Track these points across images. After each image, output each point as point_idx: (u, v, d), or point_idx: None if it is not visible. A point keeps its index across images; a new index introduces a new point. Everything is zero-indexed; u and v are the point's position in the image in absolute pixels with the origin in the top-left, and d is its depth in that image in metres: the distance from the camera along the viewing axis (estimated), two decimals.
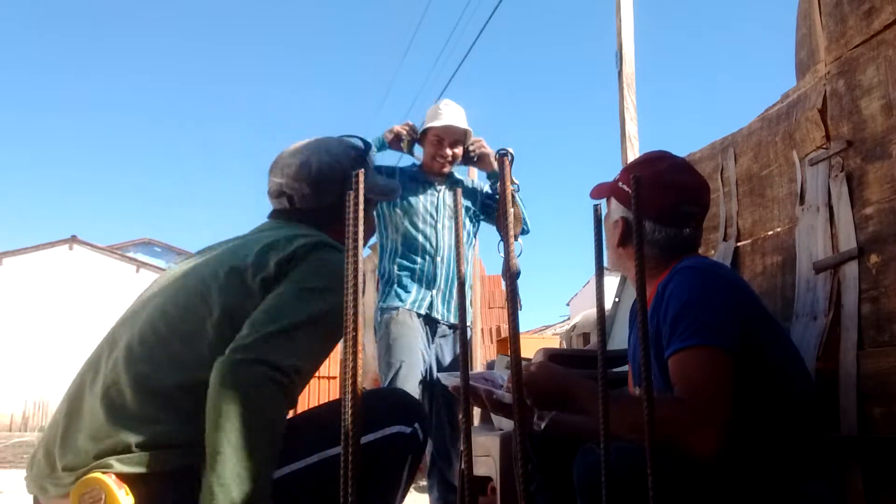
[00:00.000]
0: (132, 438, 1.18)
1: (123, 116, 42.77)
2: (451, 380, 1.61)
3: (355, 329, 0.77)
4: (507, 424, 2.43)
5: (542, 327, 16.74)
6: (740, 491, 1.23)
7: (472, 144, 2.84)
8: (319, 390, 10.57)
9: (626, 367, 1.76)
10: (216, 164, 47.94)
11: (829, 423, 1.54)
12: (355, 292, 0.77)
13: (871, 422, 1.50)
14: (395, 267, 2.73)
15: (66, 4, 40.55)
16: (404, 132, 2.82)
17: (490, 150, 2.85)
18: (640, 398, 0.72)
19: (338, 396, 1.36)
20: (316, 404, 1.50)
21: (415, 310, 2.68)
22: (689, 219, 1.47)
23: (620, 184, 1.53)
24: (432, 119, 2.83)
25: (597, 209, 0.77)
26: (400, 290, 2.68)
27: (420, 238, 2.73)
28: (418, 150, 2.90)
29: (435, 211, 2.79)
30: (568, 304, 23.40)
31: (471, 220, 2.93)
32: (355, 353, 0.77)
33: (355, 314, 0.77)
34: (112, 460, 1.16)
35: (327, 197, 1.51)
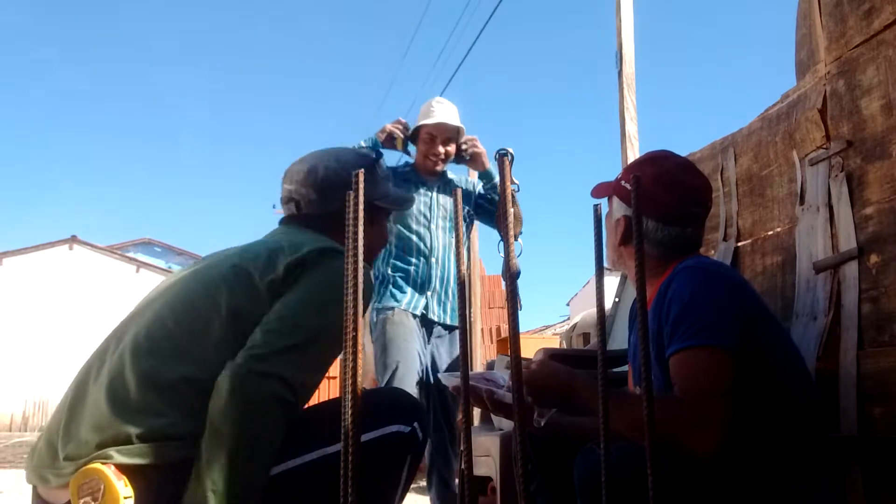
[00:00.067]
0: (133, 430, 1.19)
1: (123, 116, 42.80)
2: (451, 380, 1.61)
3: (355, 329, 0.77)
4: (507, 424, 2.43)
5: (542, 327, 16.74)
6: (740, 491, 1.23)
7: (464, 143, 2.82)
8: (319, 390, 10.56)
9: (626, 367, 1.77)
10: (216, 164, 47.98)
11: (829, 423, 1.54)
12: (355, 292, 0.77)
13: (871, 422, 1.51)
14: (389, 269, 2.72)
15: (66, 4, 40.56)
16: (397, 130, 2.80)
17: (482, 149, 2.83)
18: (640, 397, 0.72)
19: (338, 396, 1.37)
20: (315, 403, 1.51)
21: (410, 310, 2.66)
22: (693, 219, 1.48)
23: (623, 182, 1.53)
24: (424, 117, 2.81)
25: (597, 209, 0.77)
26: (395, 291, 2.67)
27: (414, 239, 2.72)
28: (413, 149, 2.88)
29: (428, 211, 2.78)
30: (568, 304, 23.42)
31: (464, 220, 2.91)
32: (355, 353, 0.77)
33: (355, 314, 0.78)
34: (112, 451, 1.17)
35: (333, 202, 1.51)
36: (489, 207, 2.87)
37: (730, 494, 1.22)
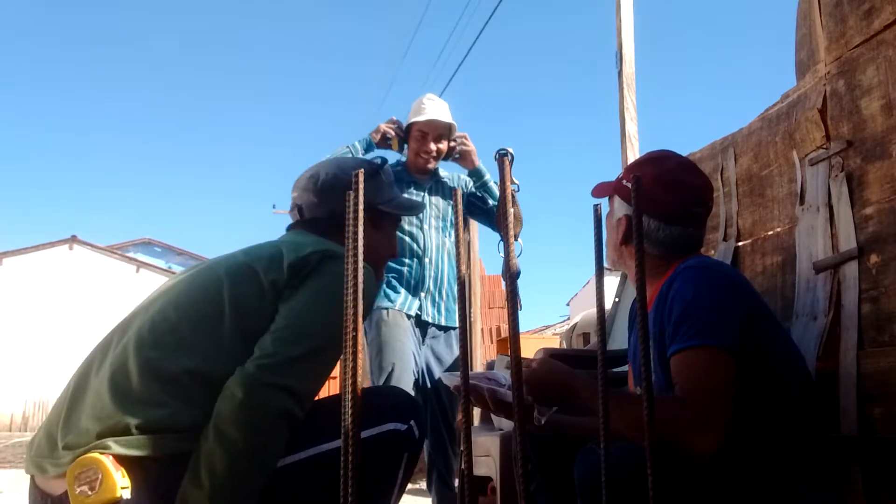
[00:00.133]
0: (133, 420, 1.19)
1: (124, 116, 42.80)
2: (453, 379, 1.61)
3: (355, 329, 0.77)
4: (507, 424, 2.43)
5: (542, 327, 16.75)
6: (740, 491, 1.23)
7: (454, 140, 2.79)
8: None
9: (626, 367, 1.77)
10: (216, 164, 47.97)
11: (829, 423, 1.54)
12: (355, 292, 0.77)
13: (871, 422, 1.51)
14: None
15: (66, 4, 40.56)
16: (391, 130, 2.77)
17: (472, 147, 2.80)
18: (640, 397, 0.72)
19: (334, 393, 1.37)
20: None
21: (404, 311, 2.63)
22: (694, 218, 1.48)
23: (624, 182, 1.53)
24: (415, 114, 2.77)
25: (597, 209, 0.77)
26: (389, 291, 2.65)
27: (407, 239, 2.69)
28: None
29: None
30: (568, 304, 23.43)
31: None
32: (355, 353, 0.77)
33: (355, 314, 0.78)
34: (110, 441, 1.17)
35: (334, 205, 1.53)
36: (481, 206, 2.83)
37: (730, 494, 1.22)
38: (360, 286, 0.77)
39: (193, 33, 47.23)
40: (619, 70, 3.32)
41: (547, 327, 16.46)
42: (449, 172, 2.93)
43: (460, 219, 0.79)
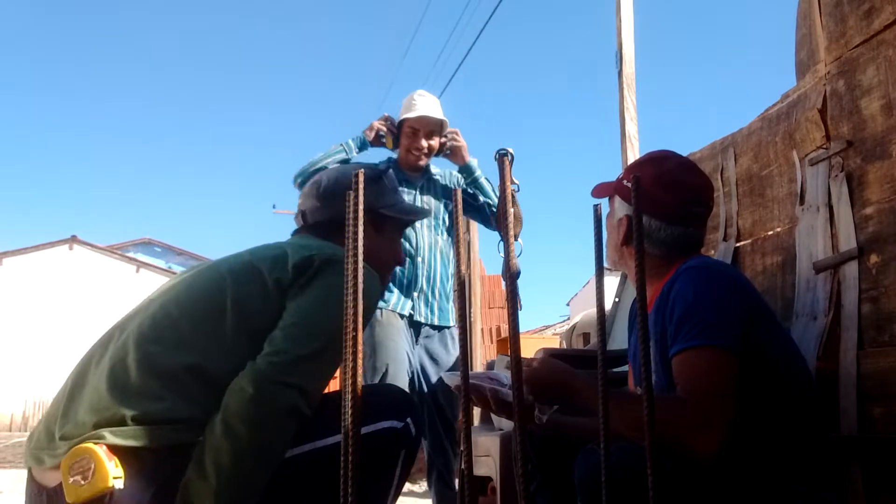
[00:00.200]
0: (129, 412, 1.19)
1: (124, 116, 42.79)
2: (454, 379, 1.61)
3: (355, 329, 0.77)
4: (507, 424, 2.43)
5: (542, 327, 16.73)
6: (740, 491, 1.23)
7: (444, 136, 2.76)
8: None
9: (626, 367, 1.76)
10: (217, 164, 47.97)
11: (829, 422, 1.54)
12: (355, 292, 0.77)
13: (871, 422, 1.51)
14: None
15: (66, 4, 40.55)
16: (384, 127, 2.75)
17: (463, 143, 2.77)
18: (641, 397, 0.72)
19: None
20: None
21: (397, 311, 2.61)
22: (695, 218, 1.48)
23: (625, 182, 1.53)
24: (406, 110, 2.74)
25: (597, 209, 0.77)
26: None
27: None
28: None
29: None
30: (568, 304, 23.42)
31: (450, 218, 2.82)
32: (355, 353, 0.77)
33: (355, 314, 0.78)
34: (105, 432, 1.17)
35: (334, 207, 1.54)
36: (472, 202, 2.80)
37: (730, 494, 1.22)
38: (360, 286, 0.78)
39: (193, 33, 47.26)
40: (619, 70, 3.31)
41: (547, 327, 16.44)
42: (441, 169, 2.90)
43: (460, 219, 0.79)
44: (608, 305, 2.76)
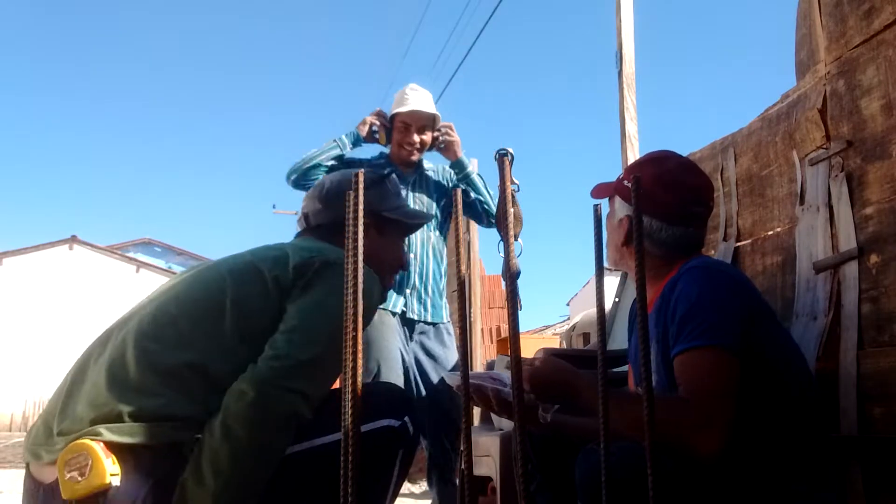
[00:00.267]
0: (126, 408, 1.19)
1: (124, 116, 42.78)
2: (456, 379, 1.61)
3: (355, 329, 0.77)
4: (507, 424, 2.43)
5: (542, 327, 16.73)
6: (741, 490, 1.23)
7: (438, 130, 2.73)
8: None
9: (626, 367, 1.76)
10: (216, 164, 47.96)
11: (829, 423, 1.54)
12: (355, 292, 0.77)
13: (871, 422, 1.51)
14: None
15: (66, 4, 40.55)
16: (377, 122, 2.72)
17: (456, 138, 2.74)
18: (642, 397, 0.72)
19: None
20: None
21: (389, 309, 2.57)
22: (695, 218, 1.48)
23: (625, 182, 1.53)
24: (398, 105, 2.71)
25: (597, 209, 0.77)
26: None
27: None
28: None
29: None
30: (568, 304, 23.42)
31: (441, 213, 2.80)
32: (355, 353, 0.77)
33: (355, 314, 0.78)
34: (102, 428, 1.17)
35: (337, 210, 1.53)
36: (464, 199, 2.75)
37: (730, 494, 1.22)
38: (360, 286, 0.77)
39: (193, 33, 47.26)
40: (619, 70, 3.31)
41: (547, 327, 16.44)
42: (434, 164, 2.87)
43: (460, 219, 0.79)
44: (608, 305, 2.76)
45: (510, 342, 0.76)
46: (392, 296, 2.60)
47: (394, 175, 1.72)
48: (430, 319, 2.68)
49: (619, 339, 2.53)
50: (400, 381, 2.46)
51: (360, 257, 0.78)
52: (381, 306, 2.54)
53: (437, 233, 2.77)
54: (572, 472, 1.24)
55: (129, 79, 42.55)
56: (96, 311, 17.89)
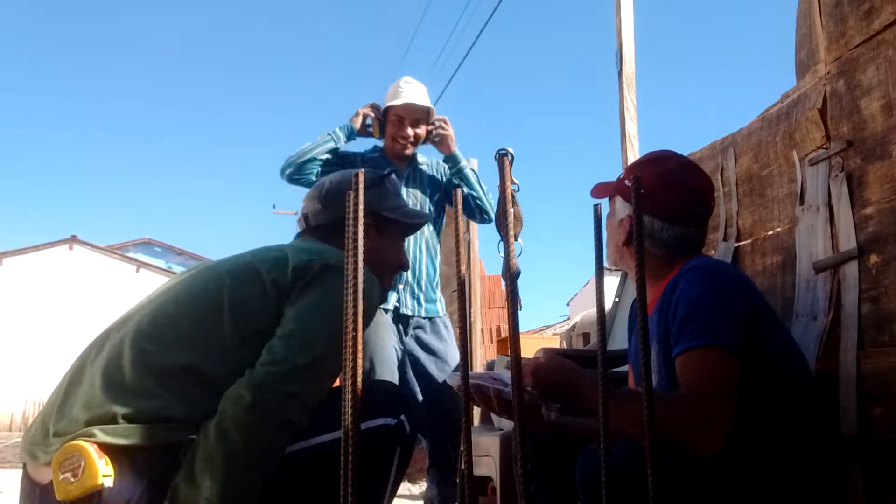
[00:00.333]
0: (120, 410, 1.19)
1: (124, 116, 42.79)
2: (457, 380, 1.61)
3: (355, 329, 0.77)
4: (507, 424, 2.43)
5: (542, 327, 16.72)
6: (741, 490, 1.23)
7: (432, 123, 2.70)
8: None
9: (625, 367, 1.76)
10: (217, 164, 47.97)
11: (829, 422, 1.54)
12: (355, 292, 0.77)
13: (871, 422, 1.51)
14: None
15: (66, 4, 40.55)
16: (371, 113, 2.70)
17: (451, 132, 2.71)
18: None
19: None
20: None
21: (382, 306, 2.53)
22: (697, 218, 1.48)
23: (627, 182, 1.53)
24: (392, 98, 2.67)
25: (597, 209, 0.77)
26: None
27: None
28: None
29: None
30: (568, 304, 23.42)
31: (435, 208, 2.77)
32: (355, 353, 0.77)
33: (355, 314, 0.78)
34: (96, 430, 1.17)
35: (336, 210, 1.53)
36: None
37: (731, 494, 1.22)
38: (360, 286, 0.78)
39: (193, 33, 47.27)
40: (619, 70, 3.31)
41: (547, 327, 16.43)
42: (428, 158, 2.83)
43: (460, 218, 0.79)
44: (608, 305, 2.76)
45: (510, 342, 0.76)
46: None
47: (393, 175, 1.72)
48: (424, 314, 2.65)
49: (619, 339, 2.53)
50: (394, 379, 2.44)
51: (361, 257, 0.78)
52: None
53: (431, 227, 2.74)
54: (572, 472, 1.24)
55: (129, 79, 42.61)
56: (96, 311, 17.89)
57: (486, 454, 2.41)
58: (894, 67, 1.57)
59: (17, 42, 37.99)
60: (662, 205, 1.43)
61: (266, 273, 1.35)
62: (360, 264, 0.78)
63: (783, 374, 1.31)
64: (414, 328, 2.64)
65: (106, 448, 1.15)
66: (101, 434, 1.16)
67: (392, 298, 2.58)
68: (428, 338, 2.65)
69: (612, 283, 3.16)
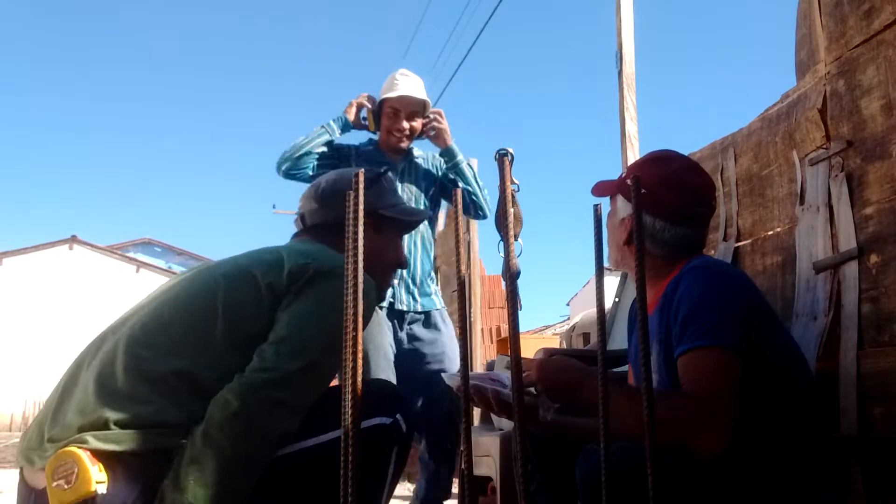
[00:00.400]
0: (113, 415, 1.18)
1: (124, 116, 42.79)
2: (455, 380, 1.61)
3: (355, 329, 0.77)
4: (507, 424, 2.43)
5: (542, 327, 16.72)
6: (741, 490, 1.23)
7: (427, 117, 2.68)
8: None
9: (625, 367, 1.76)
10: (217, 164, 47.97)
11: (829, 422, 1.54)
12: (355, 293, 0.77)
13: (871, 422, 1.51)
14: None
15: (66, 4, 40.55)
16: (366, 104, 2.67)
17: (446, 125, 2.69)
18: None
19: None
20: None
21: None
22: (699, 219, 1.48)
23: (629, 181, 1.52)
24: (388, 90, 2.65)
25: (597, 208, 0.77)
26: None
27: None
28: None
29: None
30: (568, 304, 23.42)
31: (430, 202, 2.74)
32: (355, 353, 0.77)
33: (355, 314, 0.77)
34: (88, 436, 1.16)
35: (333, 210, 1.52)
36: (452, 189, 2.68)
37: (731, 494, 1.22)
38: (361, 286, 0.77)
39: (193, 33, 47.26)
40: (619, 70, 3.31)
41: (547, 327, 16.43)
42: (424, 152, 2.81)
43: (460, 219, 0.79)
44: (608, 305, 2.76)
45: (510, 342, 0.76)
46: None
47: (389, 173, 1.70)
48: (419, 309, 2.62)
49: (619, 339, 2.53)
50: (390, 376, 2.41)
51: (361, 257, 0.78)
52: None
53: (425, 222, 2.71)
54: (572, 472, 1.24)
55: (129, 79, 42.60)
56: (96, 311, 17.89)
57: (486, 454, 2.41)
58: (894, 67, 1.57)
59: (17, 42, 38.01)
60: (664, 205, 1.43)
61: (261, 277, 1.34)
62: (361, 264, 0.78)
63: (783, 374, 1.31)
64: (409, 323, 2.60)
65: (99, 454, 1.15)
66: (93, 440, 1.16)
67: (387, 294, 2.52)
68: (424, 331, 2.61)
69: (612, 283, 3.16)
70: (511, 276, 0.78)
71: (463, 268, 0.79)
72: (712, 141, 2.29)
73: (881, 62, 1.60)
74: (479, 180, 2.74)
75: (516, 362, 0.76)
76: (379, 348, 2.44)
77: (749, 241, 2.06)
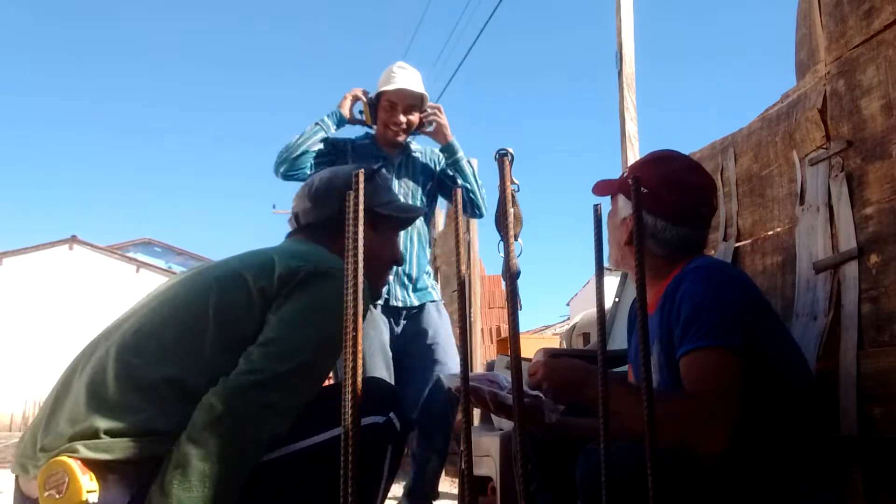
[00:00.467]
0: (103, 425, 1.17)
1: (124, 116, 42.78)
2: (454, 381, 1.61)
3: (355, 329, 0.77)
4: (507, 424, 2.43)
5: (542, 327, 16.71)
6: (741, 490, 1.23)
7: (426, 111, 2.65)
8: None
9: (625, 367, 1.76)
10: (217, 164, 47.96)
11: (829, 422, 1.54)
12: (355, 293, 0.77)
13: (871, 422, 1.50)
14: None
15: (66, 4, 40.55)
16: (362, 97, 2.64)
17: (445, 120, 2.66)
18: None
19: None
20: None
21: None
22: (700, 219, 1.48)
23: (630, 180, 1.52)
24: (385, 83, 2.61)
25: (597, 208, 0.77)
26: None
27: None
28: None
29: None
30: (568, 304, 23.41)
31: (427, 197, 2.71)
32: (355, 353, 0.77)
33: (355, 314, 0.77)
34: (79, 445, 1.16)
35: (327, 209, 1.52)
36: (452, 185, 2.68)
37: (731, 494, 1.22)
38: (360, 286, 0.77)
39: (193, 33, 47.26)
40: (619, 70, 3.31)
41: (547, 327, 16.42)
42: (421, 147, 2.77)
43: (460, 218, 0.79)
44: (608, 305, 2.76)
45: (510, 342, 0.76)
46: None
47: (384, 169, 1.69)
48: (415, 303, 2.59)
49: (619, 339, 2.53)
50: (382, 375, 2.38)
51: (361, 257, 0.78)
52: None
53: (421, 217, 2.67)
54: (572, 472, 1.24)
55: (129, 79, 42.60)
56: (96, 311, 17.88)
57: (486, 454, 2.41)
58: (894, 67, 1.57)
59: (17, 42, 38.00)
60: (665, 205, 1.43)
61: (252, 280, 1.32)
62: (361, 264, 0.78)
63: (783, 374, 1.31)
64: (405, 318, 2.58)
65: (90, 463, 1.14)
66: (84, 450, 1.15)
67: (382, 291, 2.49)
68: (418, 325, 2.58)
69: (612, 283, 3.16)
70: (511, 276, 0.78)
71: (463, 268, 0.79)
72: (712, 141, 2.29)
73: (881, 62, 1.60)
74: (478, 179, 2.72)
75: (516, 362, 0.76)
76: (374, 347, 2.41)
77: (749, 241, 2.06)
